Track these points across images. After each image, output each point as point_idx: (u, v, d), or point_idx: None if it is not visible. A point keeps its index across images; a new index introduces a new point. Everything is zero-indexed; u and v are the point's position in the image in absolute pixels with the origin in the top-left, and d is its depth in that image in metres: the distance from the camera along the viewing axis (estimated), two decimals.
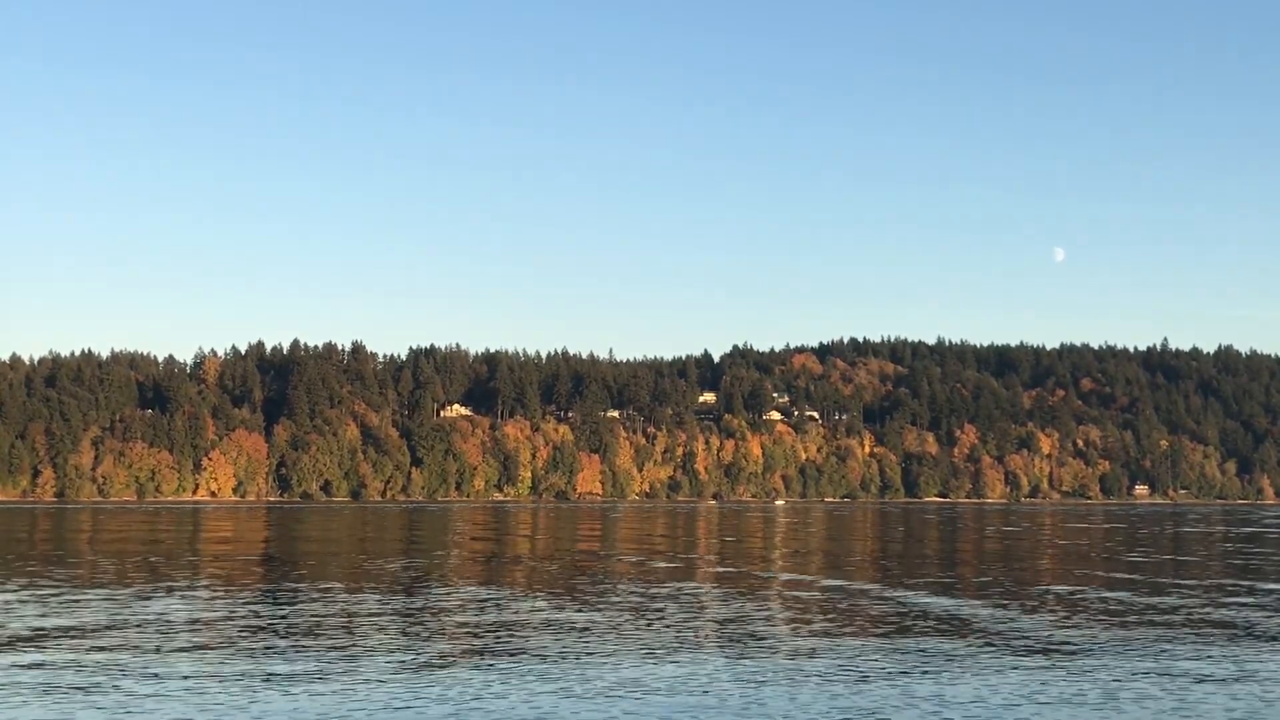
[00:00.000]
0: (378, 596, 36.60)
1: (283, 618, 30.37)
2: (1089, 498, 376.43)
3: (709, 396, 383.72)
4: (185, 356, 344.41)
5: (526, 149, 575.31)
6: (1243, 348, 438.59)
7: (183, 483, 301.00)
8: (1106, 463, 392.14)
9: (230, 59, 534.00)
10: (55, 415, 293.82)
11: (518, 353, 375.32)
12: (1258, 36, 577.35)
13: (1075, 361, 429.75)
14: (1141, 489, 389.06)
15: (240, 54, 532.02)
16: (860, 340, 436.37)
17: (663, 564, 53.53)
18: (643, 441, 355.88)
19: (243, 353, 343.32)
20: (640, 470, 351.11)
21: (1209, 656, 24.29)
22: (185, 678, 21.46)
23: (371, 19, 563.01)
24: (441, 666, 22.80)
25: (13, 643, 25.75)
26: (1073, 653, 24.60)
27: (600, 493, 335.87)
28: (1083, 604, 34.71)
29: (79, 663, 23.10)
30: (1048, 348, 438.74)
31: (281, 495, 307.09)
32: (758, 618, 31.11)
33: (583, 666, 22.81)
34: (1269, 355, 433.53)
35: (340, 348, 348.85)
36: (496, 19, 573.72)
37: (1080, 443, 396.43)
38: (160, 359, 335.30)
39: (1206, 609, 33.24)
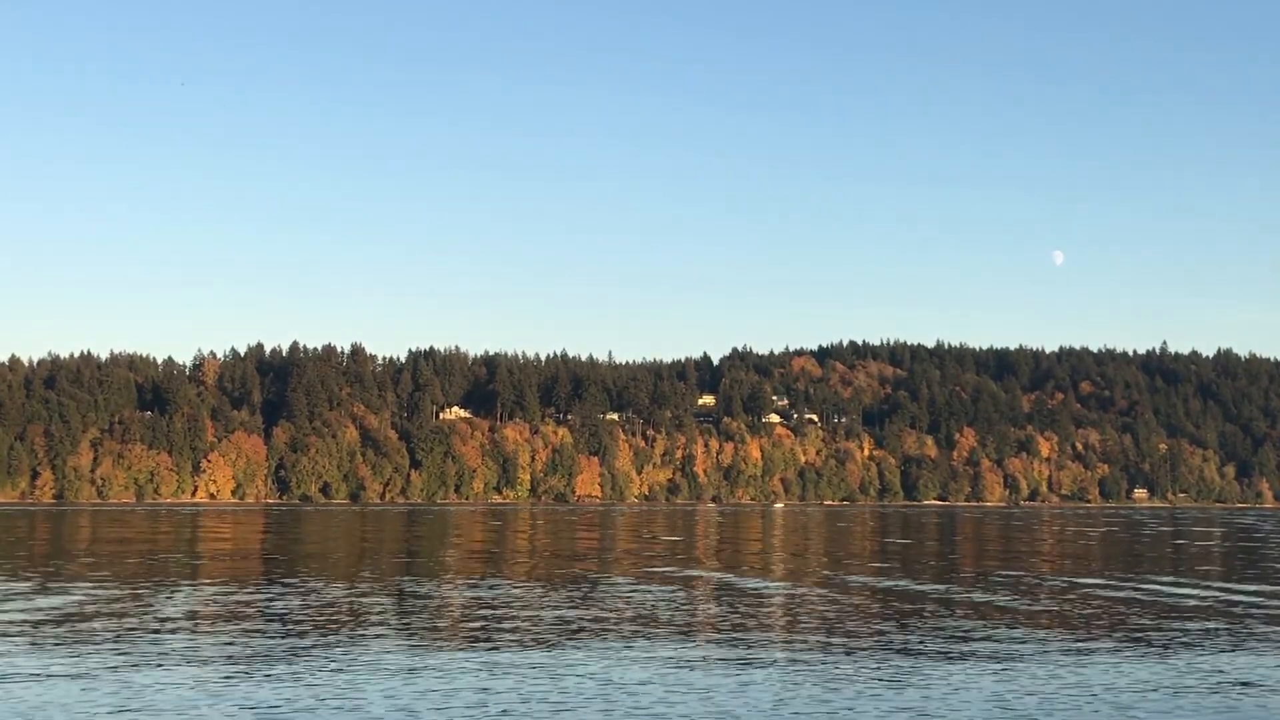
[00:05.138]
0: (377, 598, 36.62)
1: (281, 619, 30.39)
2: (1088, 501, 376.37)
3: (708, 399, 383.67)
4: (184, 358, 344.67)
5: (526, 149, 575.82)
6: (1242, 351, 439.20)
7: (181, 485, 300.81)
8: (1106, 466, 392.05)
9: (230, 59, 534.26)
10: (54, 417, 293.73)
11: (517, 355, 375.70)
12: (1258, 37, 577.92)
13: (1074, 364, 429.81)
14: (1141, 492, 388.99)
15: (240, 54, 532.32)
16: (859, 343, 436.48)
17: (660, 566, 53.54)
18: (642, 444, 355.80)
19: (242, 354, 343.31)
20: (639, 473, 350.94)
21: None
22: (184, 673, 21.48)
23: (372, 19, 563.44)
24: (441, 664, 22.80)
25: (13, 640, 25.76)
26: None
27: (599, 495, 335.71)
28: None
29: (79, 660, 23.11)
30: (1047, 351, 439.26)
31: (280, 497, 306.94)
32: (754, 618, 31.11)
33: (582, 665, 22.83)
34: (1268, 359, 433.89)
35: (339, 350, 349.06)
36: (496, 19, 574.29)
37: (1079, 446, 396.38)
38: (159, 360, 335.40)
39: None
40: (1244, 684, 20.99)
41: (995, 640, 26.12)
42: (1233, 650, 24.88)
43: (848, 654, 24.04)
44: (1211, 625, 29.29)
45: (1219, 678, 21.56)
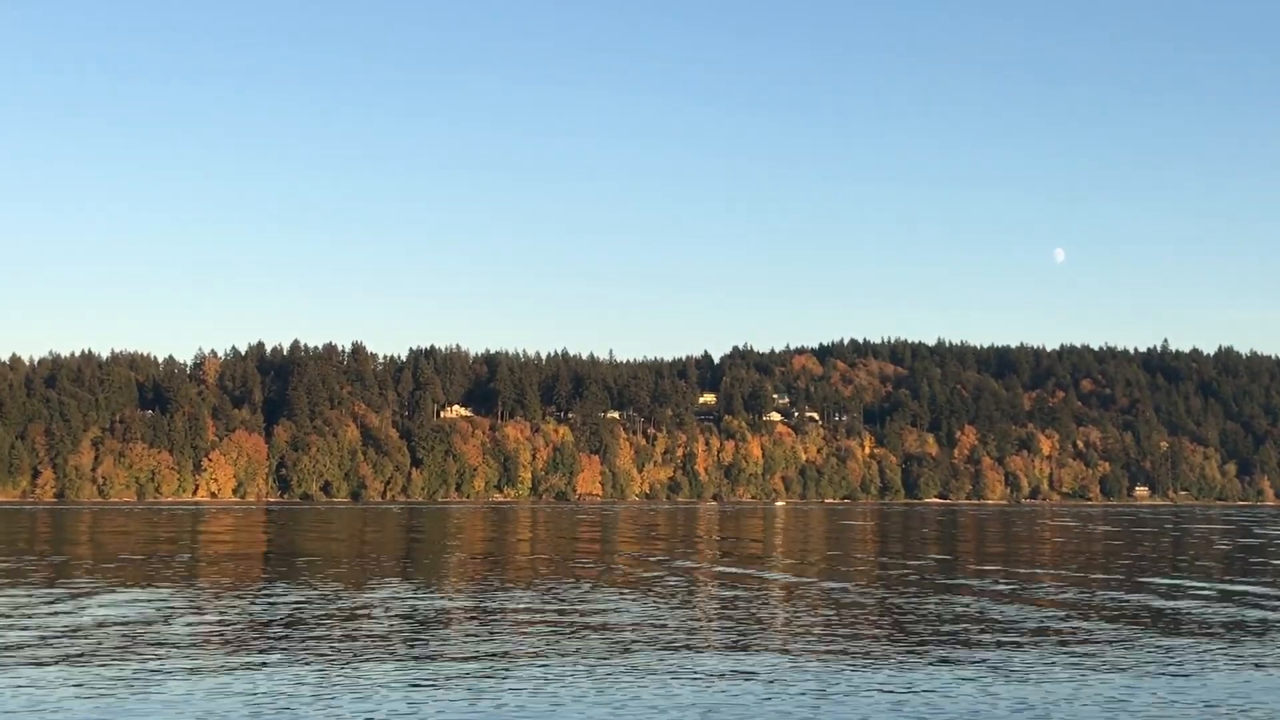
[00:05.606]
0: (380, 598, 36.69)
1: (283, 620, 30.47)
2: (1089, 499, 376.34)
3: (709, 397, 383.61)
4: (185, 357, 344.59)
5: (527, 149, 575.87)
6: (1243, 349, 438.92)
7: (183, 483, 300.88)
8: (1107, 464, 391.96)
9: (230, 59, 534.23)
10: (55, 416, 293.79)
11: (518, 353, 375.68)
12: (1258, 37, 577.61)
13: (1075, 362, 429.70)
14: (1142, 490, 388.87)
15: (240, 54, 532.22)
16: (860, 341, 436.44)
17: (661, 564, 53.62)
18: (643, 442, 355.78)
19: (243, 353, 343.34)
20: (640, 471, 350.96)
21: None
22: (187, 675, 21.55)
23: (372, 19, 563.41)
24: (446, 669, 22.88)
25: (16, 644, 25.85)
26: None
27: (600, 494, 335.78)
28: None
29: (79, 662, 23.19)
30: (1048, 349, 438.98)
31: (281, 496, 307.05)
32: (754, 615, 31.17)
33: (584, 667, 22.90)
34: (1269, 356, 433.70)
35: (340, 348, 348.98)
36: (496, 19, 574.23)
37: (1080, 444, 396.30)
38: (160, 359, 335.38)
39: None
40: (1242, 685, 21.04)
41: (995, 638, 26.18)
42: (1234, 650, 24.92)
43: (846, 652, 24.11)
44: (1214, 624, 29.34)
45: (1219, 676, 21.61)
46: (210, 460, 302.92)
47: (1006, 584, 41.05)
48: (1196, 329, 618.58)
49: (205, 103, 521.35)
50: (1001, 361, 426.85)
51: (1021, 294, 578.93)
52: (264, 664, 22.22)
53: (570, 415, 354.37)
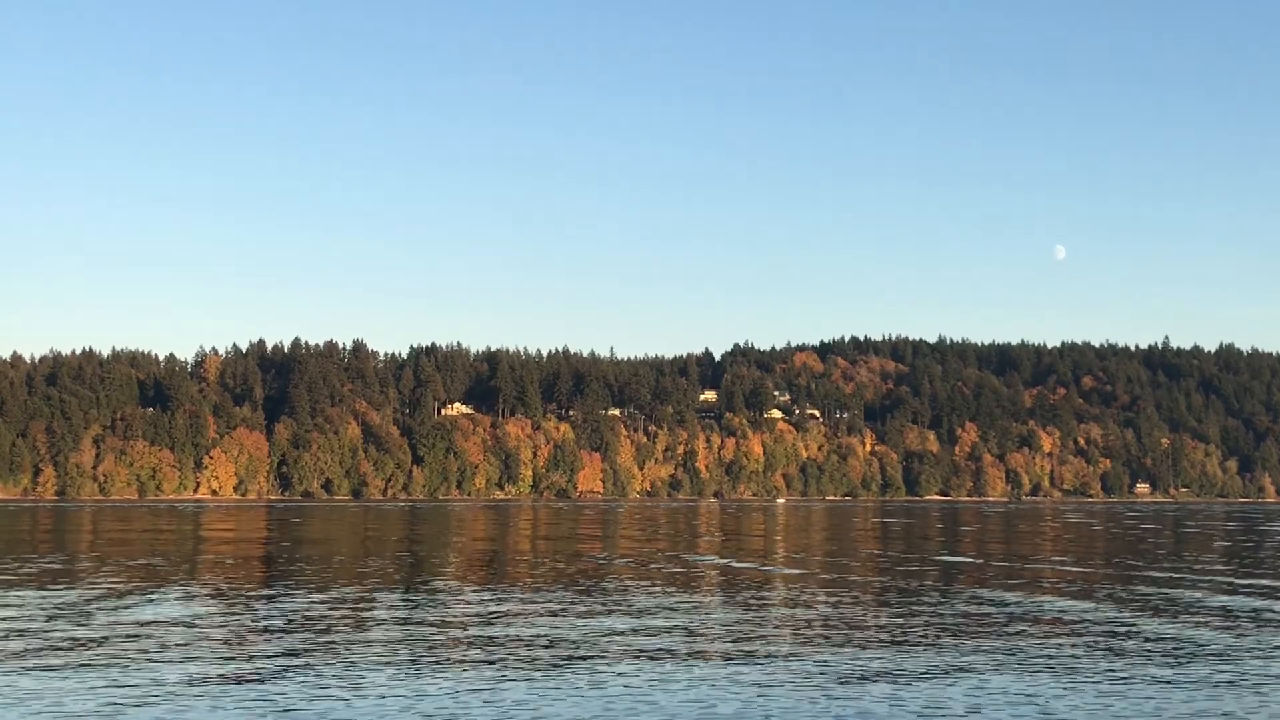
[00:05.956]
0: (378, 598, 36.66)
1: (285, 619, 30.43)
2: (1090, 496, 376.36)
3: (710, 395, 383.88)
4: (186, 355, 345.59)
5: (527, 149, 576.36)
6: (1244, 346, 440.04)
7: (184, 481, 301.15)
8: (1108, 461, 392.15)
9: (230, 58, 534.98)
10: (56, 413, 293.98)
11: (519, 351, 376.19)
12: (1258, 36, 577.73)
13: (1076, 360, 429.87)
14: (1143, 487, 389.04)
15: (240, 53, 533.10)
16: (861, 338, 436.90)
17: (662, 562, 53.60)
18: (644, 440, 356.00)
19: (244, 351, 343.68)
20: (641, 468, 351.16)
21: None
22: (185, 678, 21.50)
23: (372, 18, 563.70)
24: (444, 669, 22.83)
25: (19, 648, 25.80)
26: None
27: (601, 491, 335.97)
28: None
29: (82, 664, 23.14)
30: (1049, 346, 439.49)
31: (283, 493, 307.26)
32: (760, 614, 31.12)
33: (584, 665, 22.84)
34: (1270, 353, 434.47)
35: (341, 346, 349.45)
36: (496, 19, 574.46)
37: (1081, 441, 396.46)
38: (161, 357, 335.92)
39: None
40: (1244, 681, 20.97)
41: (997, 634, 26.12)
42: (1236, 644, 24.85)
43: (847, 648, 24.07)
44: (1217, 618, 29.29)
45: (1221, 671, 21.55)
46: (211, 458, 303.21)
47: (1009, 580, 40.99)
48: (1197, 326, 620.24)
49: (205, 103, 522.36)
50: (1002, 359, 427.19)
51: (1022, 291, 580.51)
52: (266, 665, 22.17)
53: (571, 413, 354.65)
